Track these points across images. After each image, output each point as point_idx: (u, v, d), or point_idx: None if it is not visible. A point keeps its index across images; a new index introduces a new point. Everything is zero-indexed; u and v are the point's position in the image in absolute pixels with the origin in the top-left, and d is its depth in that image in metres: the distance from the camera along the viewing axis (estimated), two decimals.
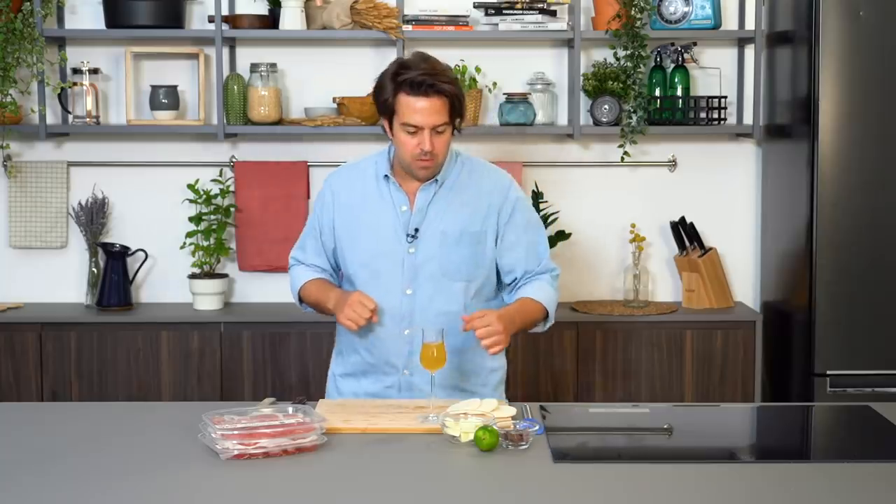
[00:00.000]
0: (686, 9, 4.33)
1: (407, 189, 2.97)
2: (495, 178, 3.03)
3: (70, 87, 4.39)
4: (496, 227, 2.99)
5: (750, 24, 4.41)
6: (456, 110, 2.87)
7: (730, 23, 4.51)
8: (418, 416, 2.71)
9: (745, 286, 4.67)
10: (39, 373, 4.23)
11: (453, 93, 2.84)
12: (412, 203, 2.96)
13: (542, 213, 4.34)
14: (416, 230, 2.94)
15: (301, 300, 3.12)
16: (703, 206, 4.61)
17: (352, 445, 2.53)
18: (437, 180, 2.95)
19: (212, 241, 4.41)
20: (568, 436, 2.70)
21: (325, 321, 4.23)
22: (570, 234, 4.43)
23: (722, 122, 4.44)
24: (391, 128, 2.90)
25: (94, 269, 4.46)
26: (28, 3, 4.22)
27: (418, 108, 2.82)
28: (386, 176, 2.97)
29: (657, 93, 4.45)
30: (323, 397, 3.10)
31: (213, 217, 4.42)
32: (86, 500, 2.22)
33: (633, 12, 4.26)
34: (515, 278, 3.05)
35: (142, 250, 4.48)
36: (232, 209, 4.46)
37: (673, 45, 4.44)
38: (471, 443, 2.51)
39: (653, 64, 4.47)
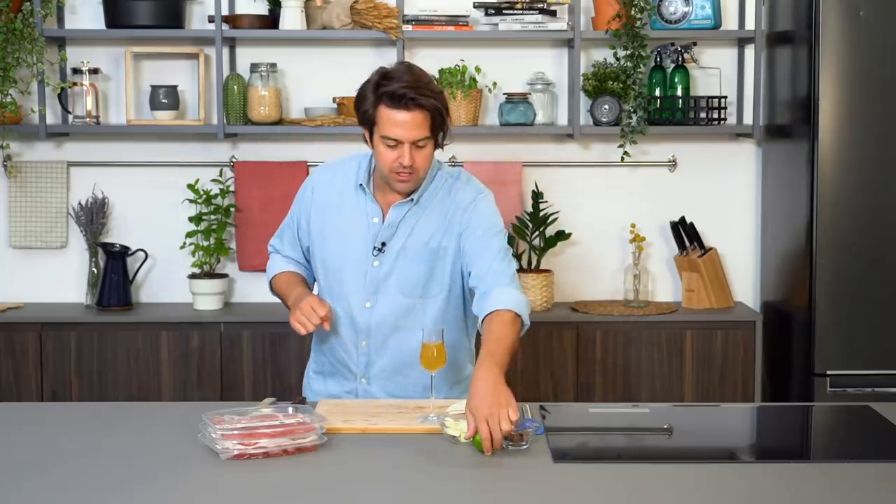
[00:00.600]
0: (686, 9, 4.33)
1: (381, 201, 2.92)
2: (464, 194, 2.92)
3: (70, 87, 4.39)
4: (457, 237, 2.90)
5: (750, 24, 4.41)
6: (438, 125, 2.78)
7: (730, 23, 4.51)
8: (418, 416, 2.71)
9: (745, 286, 4.67)
10: (39, 373, 4.23)
11: (435, 107, 2.75)
12: (384, 216, 2.92)
13: (542, 213, 4.34)
14: (384, 244, 2.90)
15: (272, 290, 3.13)
16: (703, 206, 4.61)
17: (352, 445, 2.53)
18: (412, 199, 2.89)
19: (212, 241, 4.41)
20: (568, 436, 2.70)
21: None
22: (570, 234, 4.43)
23: (722, 122, 4.44)
24: (371, 139, 2.83)
25: (94, 269, 4.46)
26: (28, 3, 4.22)
27: (398, 122, 2.74)
28: (361, 185, 2.92)
29: (657, 93, 4.45)
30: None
31: (213, 217, 4.42)
32: (86, 501, 2.22)
33: (633, 12, 4.26)
34: (475, 284, 2.89)
35: (142, 250, 4.48)
36: (232, 209, 4.46)
37: (673, 45, 4.44)
38: (471, 443, 2.51)
39: (653, 64, 4.47)
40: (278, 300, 4.39)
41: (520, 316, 2.77)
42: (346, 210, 2.95)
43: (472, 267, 2.88)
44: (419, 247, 2.90)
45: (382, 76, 2.79)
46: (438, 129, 2.80)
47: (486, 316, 2.76)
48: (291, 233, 3.09)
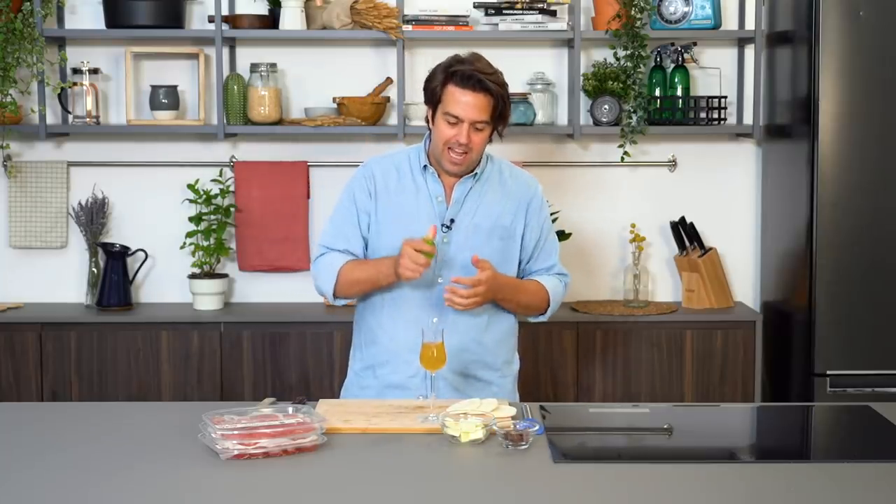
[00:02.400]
0: (686, 9, 4.33)
1: (444, 181, 3.02)
2: (525, 178, 3.13)
3: (70, 87, 4.39)
4: (524, 223, 3.06)
5: (750, 24, 4.41)
6: (498, 112, 2.92)
7: (730, 23, 4.51)
8: (418, 416, 2.71)
9: (745, 286, 4.67)
10: (39, 373, 4.23)
11: (500, 94, 2.91)
12: (448, 194, 3.01)
13: None
14: (452, 221, 2.99)
15: (335, 293, 3.03)
16: (703, 206, 4.61)
17: (352, 445, 2.53)
18: (475, 174, 3.01)
19: (212, 241, 4.41)
20: (568, 436, 2.70)
21: (325, 321, 4.25)
22: (570, 234, 4.43)
23: (722, 122, 4.44)
24: (433, 117, 2.96)
25: (94, 269, 4.46)
26: (28, 3, 4.22)
27: (462, 101, 2.88)
28: (425, 166, 3.01)
29: (657, 93, 4.45)
30: (322, 397, 3.09)
31: (213, 217, 4.42)
32: (86, 501, 2.22)
33: (633, 12, 4.26)
34: (526, 272, 3.11)
35: (142, 250, 4.48)
36: (232, 209, 4.46)
37: (673, 45, 4.44)
38: (471, 443, 2.51)
39: (653, 64, 4.47)
40: (278, 300, 4.37)
41: (549, 303, 3.10)
42: (408, 193, 3.02)
43: (534, 263, 3.11)
44: (491, 223, 3.02)
45: (455, 59, 2.95)
46: (498, 117, 2.94)
47: (529, 278, 3.10)
48: (352, 226, 3.04)
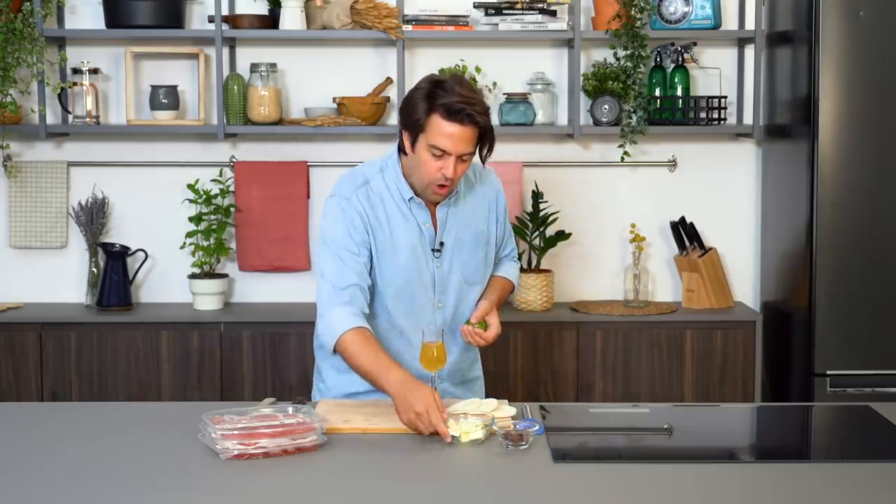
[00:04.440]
0: (686, 9, 4.33)
1: (429, 206, 2.95)
2: (486, 175, 3.08)
3: (70, 87, 4.39)
4: (495, 218, 3.07)
5: (750, 24, 4.41)
6: (485, 141, 2.84)
7: (730, 23, 4.51)
8: None
9: (745, 286, 4.67)
10: (39, 373, 4.23)
11: (487, 125, 2.80)
12: (434, 219, 2.95)
13: (542, 213, 4.35)
14: (442, 244, 2.95)
15: (336, 353, 2.83)
16: (703, 206, 4.61)
17: (352, 445, 2.53)
18: (455, 194, 2.96)
19: (212, 241, 4.41)
20: (568, 436, 2.70)
21: None
22: (570, 234, 4.43)
23: (722, 122, 4.44)
24: (413, 145, 2.82)
25: (94, 269, 4.46)
26: (28, 3, 4.22)
27: (451, 134, 2.76)
28: (412, 199, 2.91)
29: (657, 93, 4.45)
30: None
31: (213, 217, 4.42)
32: (86, 501, 2.22)
33: (633, 12, 4.26)
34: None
35: (142, 250, 4.48)
36: (232, 209, 4.46)
37: (673, 45, 4.44)
38: (471, 443, 2.51)
39: (653, 64, 4.47)
40: (278, 300, 4.36)
41: (513, 289, 3.20)
42: (398, 225, 2.92)
43: (502, 251, 3.15)
44: (472, 233, 3.01)
45: (435, 85, 2.79)
46: (483, 144, 2.85)
47: (497, 276, 3.13)
48: (353, 261, 2.86)
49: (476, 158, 2.94)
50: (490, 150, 2.87)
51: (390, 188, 2.92)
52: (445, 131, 2.75)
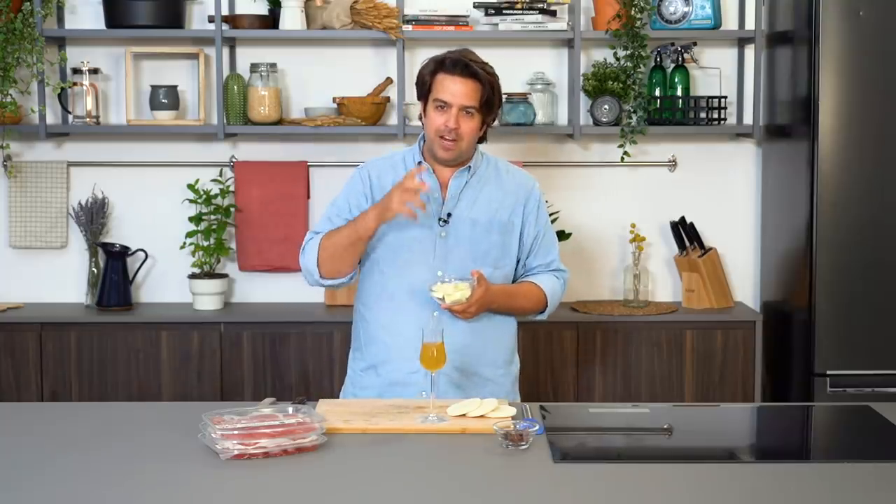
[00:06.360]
0: (686, 9, 4.33)
1: (440, 176, 3.05)
2: (522, 175, 3.18)
3: (70, 87, 4.39)
4: (522, 218, 3.10)
5: (750, 24, 4.41)
6: (487, 100, 2.96)
7: (730, 23, 4.51)
8: (418, 416, 2.71)
9: (745, 286, 4.67)
10: (39, 373, 4.23)
11: (488, 80, 2.96)
12: (444, 189, 3.04)
13: None
14: (449, 215, 3.02)
15: (321, 268, 3.03)
16: (703, 205, 4.61)
17: (352, 445, 2.53)
18: (469, 167, 3.05)
19: (212, 241, 4.41)
20: (568, 436, 2.70)
21: (325, 321, 4.25)
22: (570, 234, 4.43)
23: (722, 122, 4.44)
24: (425, 109, 3.00)
25: (94, 269, 4.46)
26: (28, 3, 4.22)
27: (450, 86, 2.94)
28: (420, 162, 3.05)
29: (657, 93, 4.45)
30: (322, 397, 3.09)
31: (213, 217, 4.42)
32: (86, 501, 2.22)
33: (633, 12, 4.26)
34: (525, 270, 3.15)
35: (142, 250, 4.48)
36: (232, 209, 4.46)
37: (673, 45, 4.44)
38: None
39: (653, 64, 4.47)
40: (278, 300, 4.39)
41: (546, 303, 3.14)
42: None
43: (533, 258, 3.15)
44: (489, 217, 3.06)
45: (446, 53, 3.02)
46: (487, 106, 2.98)
47: (525, 280, 3.14)
48: (343, 221, 3.05)
49: (514, 166, 3.14)
50: (493, 113, 3.01)
51: (406, 158, 3.10)
52: (447, 85, 2.95)
